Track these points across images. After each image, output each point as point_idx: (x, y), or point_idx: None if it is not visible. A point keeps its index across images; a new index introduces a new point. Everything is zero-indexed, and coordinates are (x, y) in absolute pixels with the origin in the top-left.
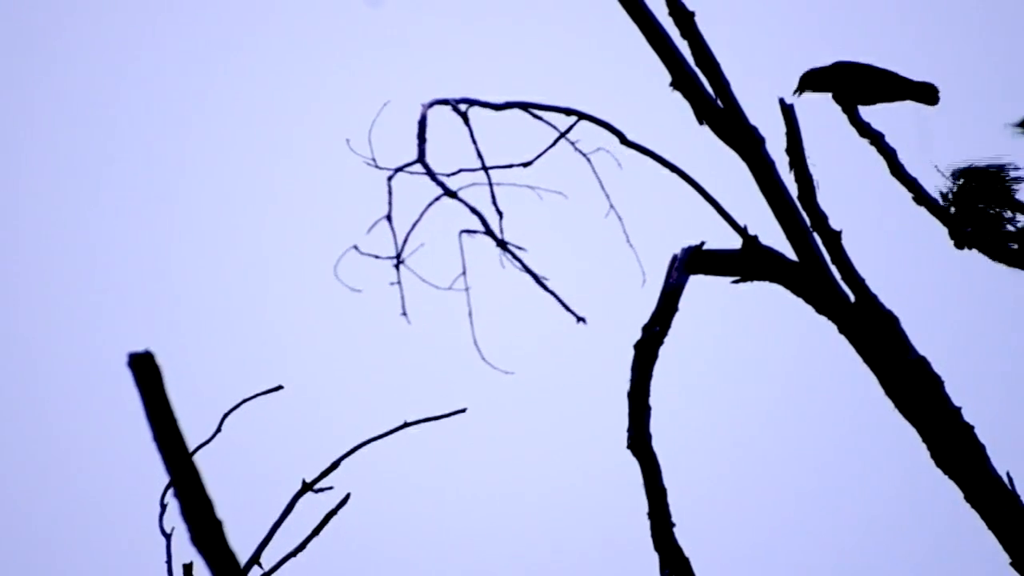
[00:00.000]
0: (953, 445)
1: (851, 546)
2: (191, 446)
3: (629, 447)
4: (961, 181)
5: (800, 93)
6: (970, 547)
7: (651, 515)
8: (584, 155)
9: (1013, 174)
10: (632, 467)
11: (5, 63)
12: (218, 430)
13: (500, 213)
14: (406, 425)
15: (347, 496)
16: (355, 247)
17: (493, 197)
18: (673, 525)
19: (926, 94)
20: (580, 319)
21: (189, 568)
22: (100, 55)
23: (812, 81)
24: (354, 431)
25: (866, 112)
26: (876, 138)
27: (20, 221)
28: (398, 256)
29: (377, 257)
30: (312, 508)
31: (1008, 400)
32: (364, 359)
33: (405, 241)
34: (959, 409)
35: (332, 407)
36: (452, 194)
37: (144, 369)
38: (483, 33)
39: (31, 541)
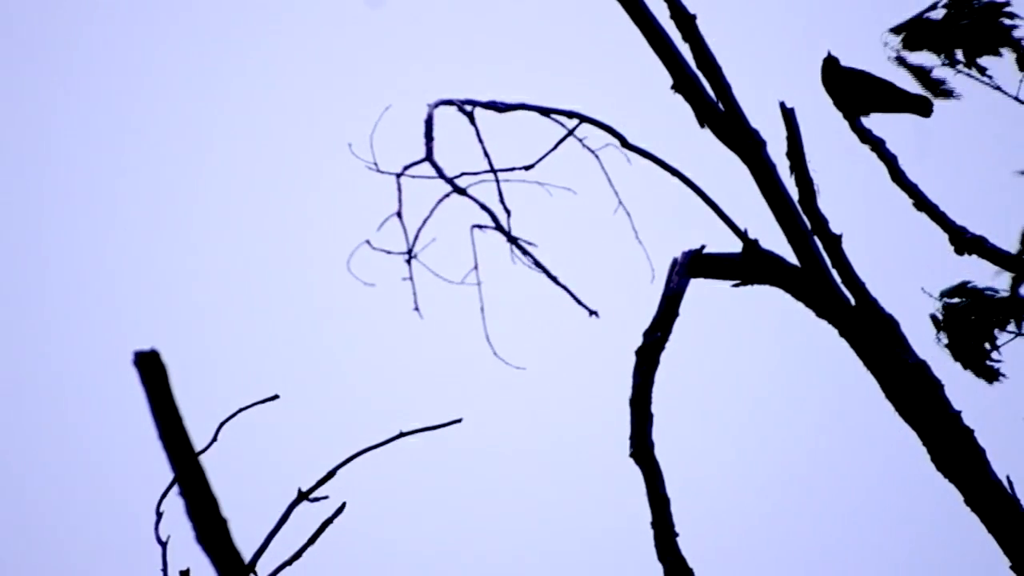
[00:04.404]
0: (953, 449)
1: (852, 549)
2: None
3: (632, 455)
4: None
5: (825, 59)
6: (970, 550)
7: (654, 524)
8: (593, 151)
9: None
10: (635, 475)
11: (13, 65)
12: (214, 439)
13: (508, 211)
14: (402, 435)
15: (343, 505)
16: (367, 242)
17: (500, 195)
18: (676, 535)
19: (921, 106)
20: (592, 312)
21: (186, 575)
22: (108, 58)
23: (830, 69)
24: (350, 440)
25: (866, 118)
26: (877, 144)
27: (29, 222)
28: (410, 251)
29: (389, 252)
30: (308, 517)
31: (1007, 404)
32: (370, 359)
33: (416, 237)
34: (959, 413)
35: (328, 416)
36: (461, 191)
37: (150, 367)
38: (484, 35)
39: (27, 545)
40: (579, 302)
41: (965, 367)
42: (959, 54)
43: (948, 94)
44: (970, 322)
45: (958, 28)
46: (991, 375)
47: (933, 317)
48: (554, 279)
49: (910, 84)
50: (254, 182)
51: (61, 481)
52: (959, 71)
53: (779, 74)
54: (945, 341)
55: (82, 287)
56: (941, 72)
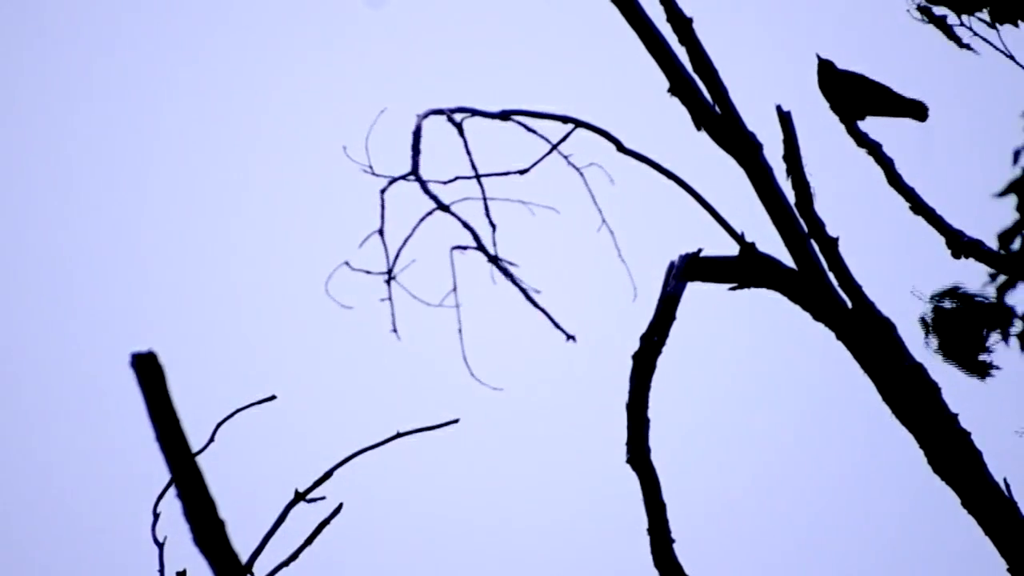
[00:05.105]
0: (950, 451)
1: (850, 553)
2: None
3: (628, 461)
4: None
5: (819, 64)
6: (968, 553)
7: (651, 531)
8: (578, 169)
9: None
10: (631, 481)
11: (10, 66)
12: (211, 439)
13: (493, 225)
14: (399, 435)
15: (340, 506)
16: (347, 263)
17: (487, 209)
18: (673, 541)
19: (916, 111)
20: (570, 337)
21: None
22: (100, 60)
23: (825, 73)
24: (346, 441)
25: (863, 121)
26: (874, 148)
27: (28, 223)
28: (389, 272)
29: (368, 273)
30: (305, 518)
31: (1004, 406)
32: (357, 372)
33: (397, 256)
34: (955, 415)
35: (325, 417)
36: (445, 208)
37: (147, 369)
38: (482, 37)
39: (25, 546)
40: (557, 326)
41: (957, 366)
42: (977, 17)
43: (968, 47)
44: (960, 325)
45: None
46: (983, 370)
47: (922, 320)
48: (533, 302)
49: (926, 47)
50: (251, 182)
51: (59, 482)
52: (976, 34)
53: (776, 77)
54: (935, 344)
55: (80, 290)
56: (959, 32)
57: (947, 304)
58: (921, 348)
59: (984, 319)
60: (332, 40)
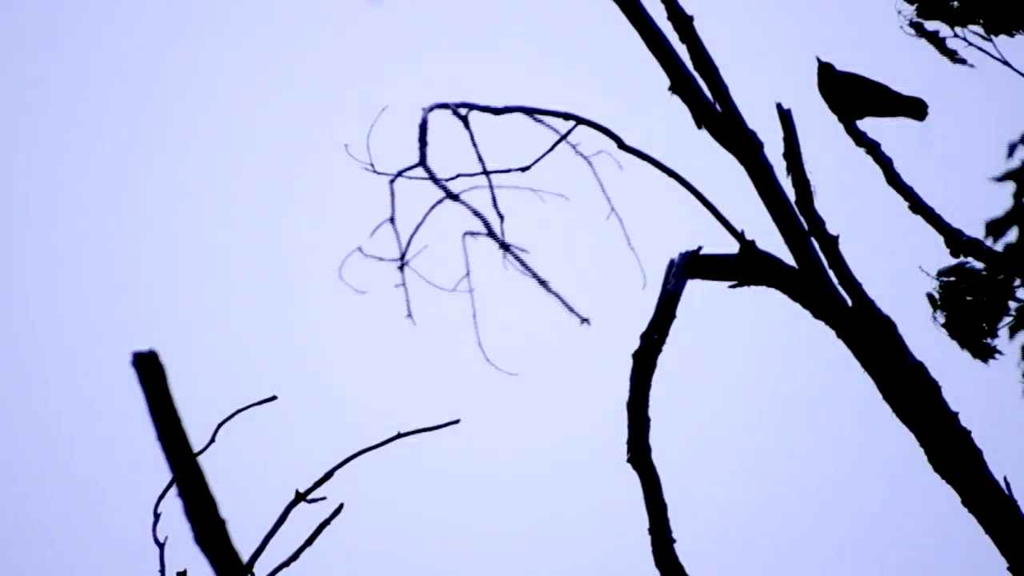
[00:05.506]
0: (950, 450)
1: (851, 551)
2: None
3: (629, 460)
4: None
5: (819, 67)
6: (968, 552)
7: (651, 530)
8: (585, 158)
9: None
10: (632, 481)
11: (13, 65)
12: (212, 439)
13: (501, 216)
14: (399, 436)
15: (340, 506)
16: (359, 249)
17: (494, 200)
18: (674, 541)
19: (915, 109)
20: (584, 320)
21: None
22: (105, 58)
23: (825, 75)
24: (347, 442)
25: (861, 121)
26: (872, 147)
27: (28, 223)
28: (402, 258)
29: (381, 259)
30: (306, 518)
31: (1004, 406)
32: (366, 362)
33: (408, 244)
34: (956, 414)
35: (326, 417)
36: (454, 197)
37: (148, 368)
38: (483, 36)
39: (26, 546)
40: (571, 309)
41: (962, 346)
42: (971, 28)
43: (963, 62)
44: (967, 302)
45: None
46: (987, 353)
47: (930, 296)
48: (546, 286)
49: (924, 51)
50: (250, 183)
51: (59, 482)
52: (970, 44)
53: (776, 76)
54: (941, 320)
55: (81, 289)
56: (953, 44)
57: (954, 280)
58: (923, 348)
59: (991, 295)
60: (332, 39)
